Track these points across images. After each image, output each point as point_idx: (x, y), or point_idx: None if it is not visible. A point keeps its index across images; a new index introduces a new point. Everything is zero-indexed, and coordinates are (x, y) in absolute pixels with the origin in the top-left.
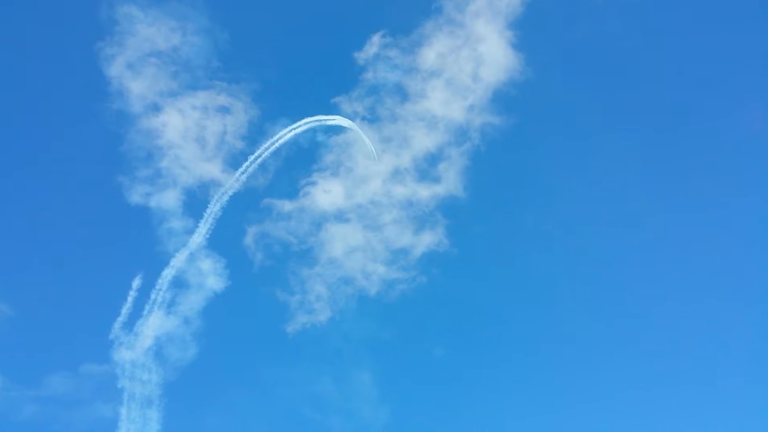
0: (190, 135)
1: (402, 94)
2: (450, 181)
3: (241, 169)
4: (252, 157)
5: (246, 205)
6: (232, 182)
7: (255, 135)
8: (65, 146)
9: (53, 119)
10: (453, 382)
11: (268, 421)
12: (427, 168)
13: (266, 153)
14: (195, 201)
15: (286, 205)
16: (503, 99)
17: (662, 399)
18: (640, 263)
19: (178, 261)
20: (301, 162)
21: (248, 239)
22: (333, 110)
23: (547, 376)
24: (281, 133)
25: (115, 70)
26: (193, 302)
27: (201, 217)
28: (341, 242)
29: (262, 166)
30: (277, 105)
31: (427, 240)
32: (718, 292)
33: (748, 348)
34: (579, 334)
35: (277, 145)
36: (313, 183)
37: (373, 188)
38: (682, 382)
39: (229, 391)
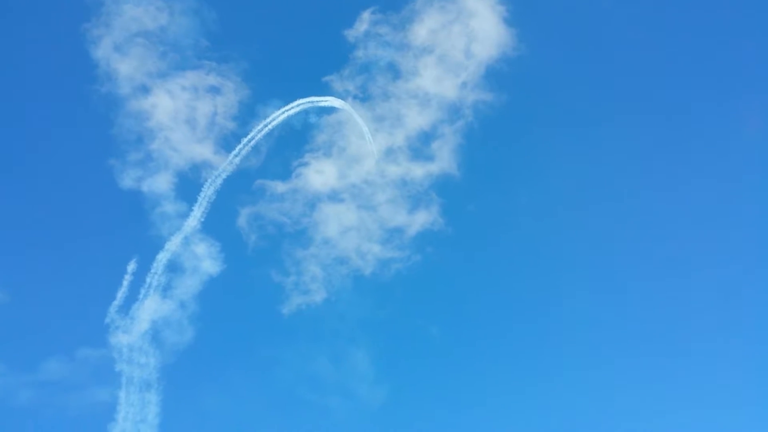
0: (180, 116)
1: (394, 71)
2: (444, 160)
3: (234, 152)
4: (245, 140)
5: (238, 186)
6: (226, 165)
7: (246, 115)
8: (55, 131)
9: (41, 103)
10: (449, 360)
11: (265, 401)
12: (420, 146)
13: (259, 135)
14: (187, 184)
15: (279, 187)
16: (496, 76)
17: (663, 368)
18: (636, 240)
19: (172, 245)
20: (293, 143)
21: (241, 221)
22: (324, 89)
23: (543, 353)
24: (274, 115)
25: (102, 51)
26: (188, 286)
27: (194, 200)
28: (335, 222)
29: (254, 148)
30: (268, 84)
31: (422, 219)
32: (716, 269)
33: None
34: (575, 312)
35: (269, 127)
36: (306, 164)
37: (367, 168)
38: (683, 354)
39: (227, 373)
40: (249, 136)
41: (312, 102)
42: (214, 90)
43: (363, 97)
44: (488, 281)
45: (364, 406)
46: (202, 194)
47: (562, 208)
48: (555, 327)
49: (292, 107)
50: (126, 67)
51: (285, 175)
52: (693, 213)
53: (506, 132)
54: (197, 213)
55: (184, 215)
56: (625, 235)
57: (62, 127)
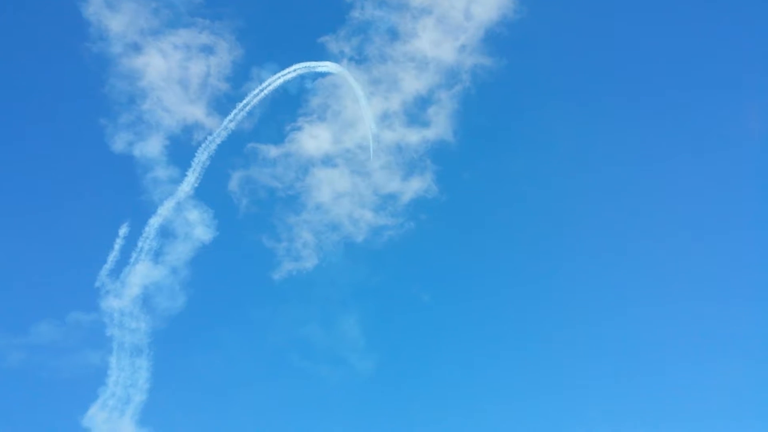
0: (172, 76)
1: (391, 33)
2: (440, 126)
3: (229, 117)
4: (240, 105)
5: (230, 149)
6: (220, 131)
7: (239, 76)
8: (46, 91)
9: (31, 62)
10: (441, 327)
11: (256, 367)
12: (416, 112)
13: (255, 100)
14: (179, 147)
15: (272, 151)
16: (495, 39)
17: (665, 339)
18: (636, 208)
19: (165, 209)
20: (287, 106)
21: (233, 185)
22: (319, 50)
23: (537, 321)
24: (269, 80)
25: (93, 8)
26: (180, 252)
27: (186, 164)
28: (328, 188)
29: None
30: (262, 44)
31: (416, 186)
32: (717, 233)
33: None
34: (571, 280)
35: (265, 92)
36: (299, 128)
37: (361, 133)
38: (685, 332)
39: (218, 339)
40: (244, 102)
41: (309, 67)
42: (207, 49)
43: (359, 59)
44: (482, 250)
45: (355, 373)
46: (195, 160)
47: (560, 176)
48: (549, 295)
49: (289, 72)
50: (117, 24)
51: (278, 139)
52: (691, 180)
53: (504, 98)
54: (191, 178)
55: (176, 180)
56: (624, 202)
57: (53, 86)
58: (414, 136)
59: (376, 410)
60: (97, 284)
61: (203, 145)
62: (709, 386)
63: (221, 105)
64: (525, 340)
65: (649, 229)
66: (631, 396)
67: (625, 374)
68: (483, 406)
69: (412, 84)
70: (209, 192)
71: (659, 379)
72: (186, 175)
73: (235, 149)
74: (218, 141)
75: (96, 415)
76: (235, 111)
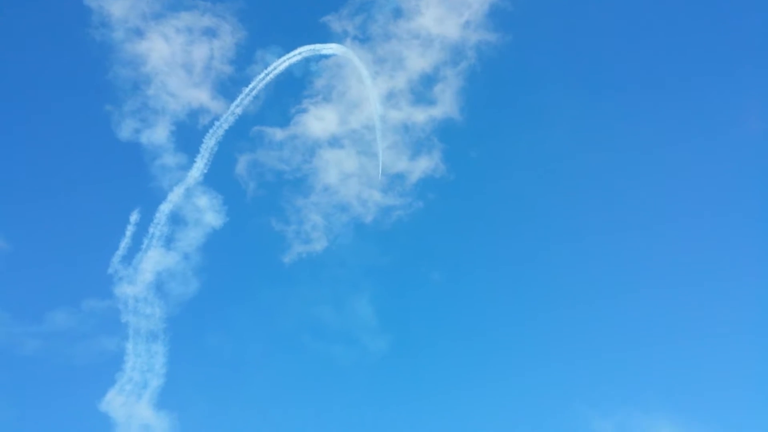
0: (176, 60)
1: (394, 10)
2: (446, 104)
3: (235, 102)
4: (246, 90)
5: (236, 133)
6: (227, 116)
7: (243, 59)
8: (51, 79)
9: (33, 52)
10: (452, 306)
11: (270, 350)
12: (422, 90)
13: (260, 85)
14: (185, 132)
15: (278, 134)
16: (500, 15)
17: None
18: (642, 187)
19: (175, 196)
20: (291, 88)
21: (240, 168)
22: (322, 29)
23: (547, 297)
24: (274, 64)
25: None
26: (192, 238)
27: (192, 150)
28: (335, 169)
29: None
30: (264, 25)
31: (423, 165)
32: (720, 216)
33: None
34: (579, 256)
35: (271, 76)
36: (305, 110)
37: (367, 113)
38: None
39: (231, 323)
40: (250, 86)
41: (313, 50)
42: (210, 32)
43: (362, 38)
44: (490, 228)
45: (368, 353)
46: (203, 146)
47: (567, 154)
48: (559, 272)
49: (293, 55)
50: (119, 9)
51: (284, 121)
52: (695, 163)
53: (510, 74)
54: (200, 164)
55: (184, 167)
56: (634, 182)
57: (58, 75)
58: (420, 115)
59: (389, 389)
60: (110, 271)
61: (210, 131)
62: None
63: (226, 88)
64: (535, 316)
65: (655, 205)
66: (647, 368)
67: (633, 347)
68: (495, 384)
69: (417, 62)
70: (218, 177)
71: (664, 350)
72: (194, 162)
73: (241, 133)
74: (225, 126)
75: (113, 400)
76: (241, 96)
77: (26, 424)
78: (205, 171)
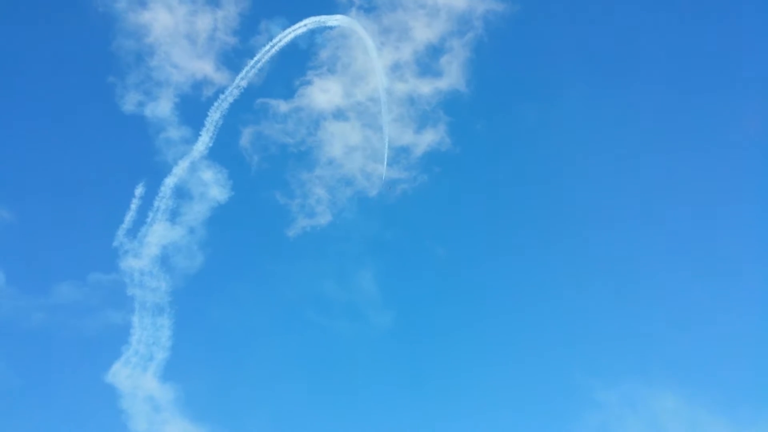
0: (179, 31)
1: None
2: (452, 75)
3: (240, 75)
4: (250, 63)
5: (240, 105)
6: (232, 89)
7: (247, 30)
8: (53, 53)
9: (36, 25)
10: (456, 280)
11: (274, 323)
12: (428, 62)
13: (265, 57)
14: (189, 104)
15: (282, 106)
16: None
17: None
18: (648, 161)
19: (180, 169)
20: (296, 60)
21: (244, 141)
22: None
23: (553, 272)
24: (280, 36)
25: None
26: (197, 213)
27: (197, 123)
28: (340, 142)
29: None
30: None
31: (429, 138)
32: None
33: None
34: (585, 228)
35: (276, 48)
36: (309, 82)
37: (373, 85)
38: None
39: (236, 297)
40: (255, 59)
41: (319, 21)
42: (213, 2)
43: (368, 8)
44: (496, 202)
45: (372, 327)
46: (208, 119)
47: (573, 125)
48: (564, 248)
49: (299, 27)
50: None
51: (288, 94)
52: (700, 128)
53: (518, 45)
54: (205, 138)
55: (189, 141)
56: (641, 156)
57: (61, 45)
58: (426, 87)
59: (392, 363)
60: (116, 244)
61: (215, 104)
62: None
63: (230, 60)
64: (539, 291)
65: (661, 178)
66: (651, 340)
67: (637, 320)
68: (499, 358)
69: (423, 33)
70: (222, 151)
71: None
72: (199, 135)
73: (244, 105)
74: (230, 100)
75: (119, 372)
76: (245, 68)
77: (32, 395)
78: (210, 145)
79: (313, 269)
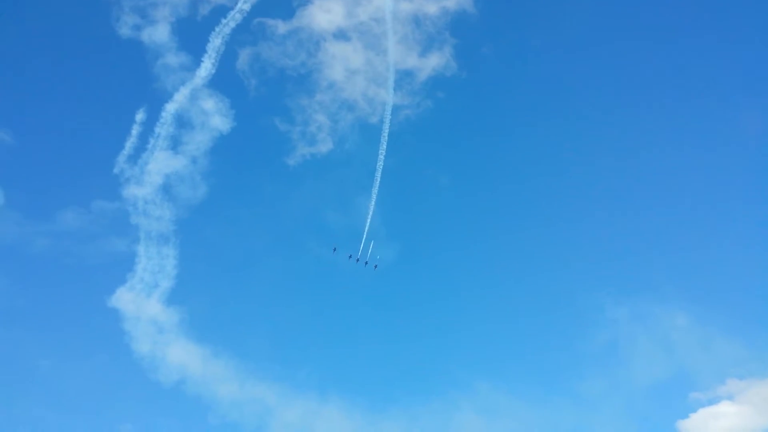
0: None
1: None
2: None
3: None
4: None
5: (236, 26)
6: (234, 14)
7: None
8: None
9: None
10: (459, 210)
11: (276, 251)
12: None
13: None
14: (186, 27)
15: (281, 26)
16: None
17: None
18: (650, 95)
19: (181, 96)
20: None
21: (242, 63)
22: None
23: (560, 195)
24: None
25: None
26: (199, 142)
27: (195, 48)
28: (341, 65)
29: None
30: None
31: (434, 62)
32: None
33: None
34: (596, 157)
35: None
36: (309, 1)
37: (377, 3)
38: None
39: (238, 226)
40: None
41: None
42: None
43: None
44: (502, 129)
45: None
46: (209, 45)
47: (582, 52)
48: (573, 172)
49: None
50: None
51: (287, 13)
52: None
53: None
54: (207, 64)
55: (188, 68)
56: (643, 84)
57: None
58: (432, 7)
59: (391, 292)
60: (116, 171)
61: (217, 29)
62: None
63: None
64: (549, 211)
65: (666, 114)
66: (662, 258)
67: (649, 237)
68: (508, 279)
69: None
70: (221, 77)
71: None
72: (201, 61)
73: (241, 26)
74: (232, 25)
75: (123, 296)
76: None
77: (36, 316)
78: (213, 71)
79: (313, 197)
